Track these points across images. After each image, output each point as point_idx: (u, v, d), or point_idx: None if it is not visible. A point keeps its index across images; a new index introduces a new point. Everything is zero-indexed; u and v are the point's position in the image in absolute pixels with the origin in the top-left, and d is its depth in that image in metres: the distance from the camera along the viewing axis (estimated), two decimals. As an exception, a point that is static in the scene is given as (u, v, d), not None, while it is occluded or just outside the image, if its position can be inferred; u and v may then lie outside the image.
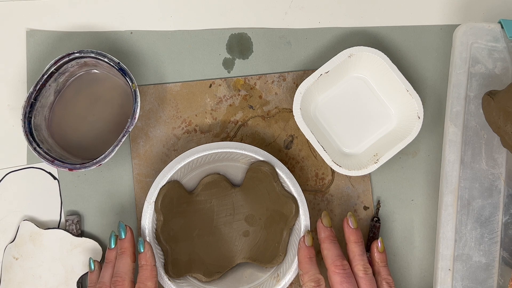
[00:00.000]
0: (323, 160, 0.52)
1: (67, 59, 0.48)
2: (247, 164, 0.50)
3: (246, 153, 0.49)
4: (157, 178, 0.48)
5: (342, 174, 0.51)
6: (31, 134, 0.48)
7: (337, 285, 0.45)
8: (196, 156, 0.48)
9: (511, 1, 0.55)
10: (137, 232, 0.52)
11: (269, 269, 0.50)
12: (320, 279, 0.46)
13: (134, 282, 0.46)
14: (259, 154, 0.49)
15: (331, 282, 0.46)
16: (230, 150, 0.49)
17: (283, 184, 0.49)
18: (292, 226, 0.49)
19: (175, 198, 0.49)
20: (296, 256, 0.48)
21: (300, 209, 0.48)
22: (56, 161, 0.47)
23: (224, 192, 0.50)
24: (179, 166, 0.48)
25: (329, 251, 0.47)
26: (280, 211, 0.49)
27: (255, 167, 0.49)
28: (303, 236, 0.48)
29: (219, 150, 0.49)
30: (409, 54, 0.54)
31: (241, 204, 0.50)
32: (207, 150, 0.49)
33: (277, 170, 0.49)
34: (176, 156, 0.50)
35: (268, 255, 0.49)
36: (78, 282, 0.50)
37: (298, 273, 0.48)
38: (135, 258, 0.47)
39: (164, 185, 0.48)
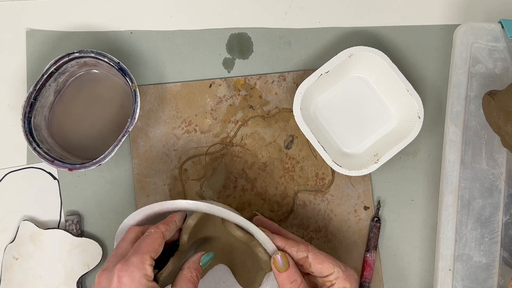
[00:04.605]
0: (323, 160, 0.51)
1: (67, 59, 0.48)
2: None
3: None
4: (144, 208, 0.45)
5: (342, 174, 0.51)
6: (31, 134, 0.48)
7: None
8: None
9: (511, 1, 0.55)
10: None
11: None
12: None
13: None
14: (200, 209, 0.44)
15: None
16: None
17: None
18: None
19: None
20: None
21: (260, 239, 0.45)
22: (56, 161, 0.47)
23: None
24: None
25: None
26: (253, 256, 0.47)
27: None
28: (272, 262, 0.44)
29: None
30: (409, 54, 0.54)
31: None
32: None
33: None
34: (175, 156, 0.50)
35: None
36: (78, 282, 0.50)
37: None
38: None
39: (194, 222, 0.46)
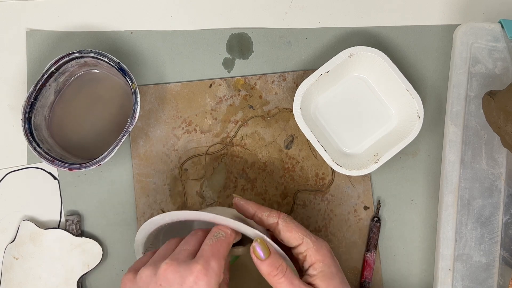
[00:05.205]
0: (323, 160, 0.52)
1: (67, 59, 0.48)
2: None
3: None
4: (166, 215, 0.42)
5: (342, 174, 0.51)
6: (31, 134, 0.48)
7: None
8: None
9: (511, 1, 0.55)
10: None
11: None
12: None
13: None
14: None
15: None
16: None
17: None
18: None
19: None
20: None
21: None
22: (56, 161, 0.47)
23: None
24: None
25: None
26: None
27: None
28: (252, 251, 0.41)
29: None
30: (409, 54, 0.54)
31: None
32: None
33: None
34: (175, 156, 0.50)
35: None
36: (78, 282, 0.50)
37: None
38: None
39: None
